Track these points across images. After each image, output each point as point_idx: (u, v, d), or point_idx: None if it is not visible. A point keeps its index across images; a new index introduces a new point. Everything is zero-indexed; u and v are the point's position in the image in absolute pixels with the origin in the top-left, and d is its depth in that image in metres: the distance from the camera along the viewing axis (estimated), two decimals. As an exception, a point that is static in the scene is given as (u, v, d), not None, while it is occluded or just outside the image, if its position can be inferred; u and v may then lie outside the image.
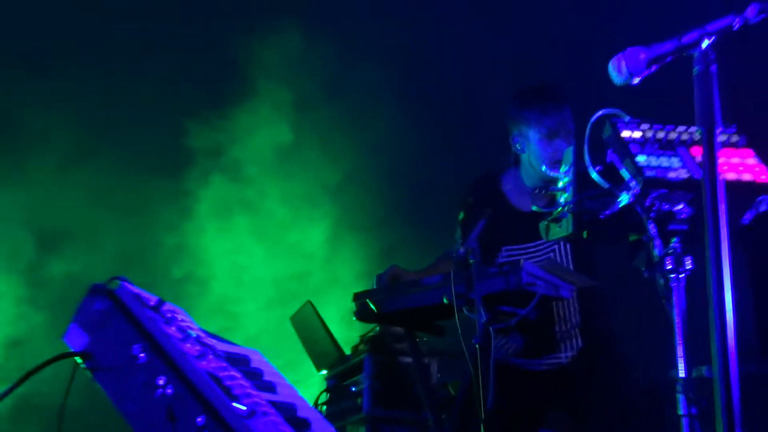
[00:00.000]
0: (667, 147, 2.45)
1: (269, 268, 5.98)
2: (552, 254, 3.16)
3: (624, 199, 2.36)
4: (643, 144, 2.44)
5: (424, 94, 6.32)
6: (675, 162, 2.39)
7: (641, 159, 2.45)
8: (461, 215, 3.27)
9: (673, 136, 2.47)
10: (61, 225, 5.64)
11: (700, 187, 2.28)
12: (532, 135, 3.14)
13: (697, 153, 2.40)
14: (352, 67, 6.22)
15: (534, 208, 2.89)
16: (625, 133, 2.52)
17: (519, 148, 3.20)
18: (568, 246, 3.14)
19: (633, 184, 2.33)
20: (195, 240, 5.87)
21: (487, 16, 6.63)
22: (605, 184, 2.35)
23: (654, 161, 2.38)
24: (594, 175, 2.38)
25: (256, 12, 6.17)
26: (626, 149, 2.37)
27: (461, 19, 6.73)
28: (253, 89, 6.07)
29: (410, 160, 6.13)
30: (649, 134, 2.48)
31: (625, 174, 2.42)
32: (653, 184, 2.32)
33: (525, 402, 3.18)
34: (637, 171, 2.21)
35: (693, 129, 2.55)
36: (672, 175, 2.38)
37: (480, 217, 3.21)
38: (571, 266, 3.15)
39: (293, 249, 6.11)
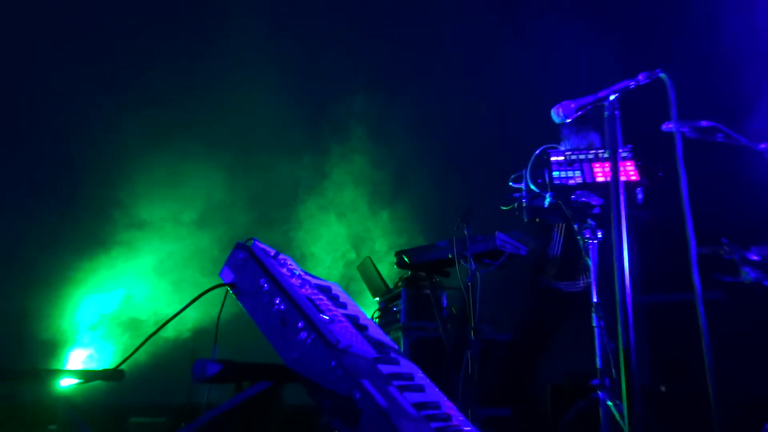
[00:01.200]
0: (572, 164, 3.02)
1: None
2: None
3: (547, 198, 3.18)
4: (560, 164, 3.18)
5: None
6: (576, 173, 3.14)
7: (555, 174, 3.20)
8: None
9: (580, 157, 3.23)
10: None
11: (590, 186, 3.05)
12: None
13: (596, 166, 3.19)
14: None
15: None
16: (554, 158, 3.28)
17: None
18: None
19: (549, 189, 3.15)
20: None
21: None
22: (537, 190, 3.14)
23: (563, 174, 2.97)
24: (532, 186, 3.19)
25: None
26: (549, 168, 3.02)
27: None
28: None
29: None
30: (566, 158, 3.24)
31: (541, 187, 3.20)
32: (558, 188, 2.93)
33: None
34: (551, 180, 2.99)
35: (599, 150, 3.28)
36: (571, 181, 3.12)
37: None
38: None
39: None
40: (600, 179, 2.89)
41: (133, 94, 6.08)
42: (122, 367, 4.86)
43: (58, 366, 5.63)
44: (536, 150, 2.97)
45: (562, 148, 2.99)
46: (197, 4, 6.41)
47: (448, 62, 6.93)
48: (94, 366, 5.68)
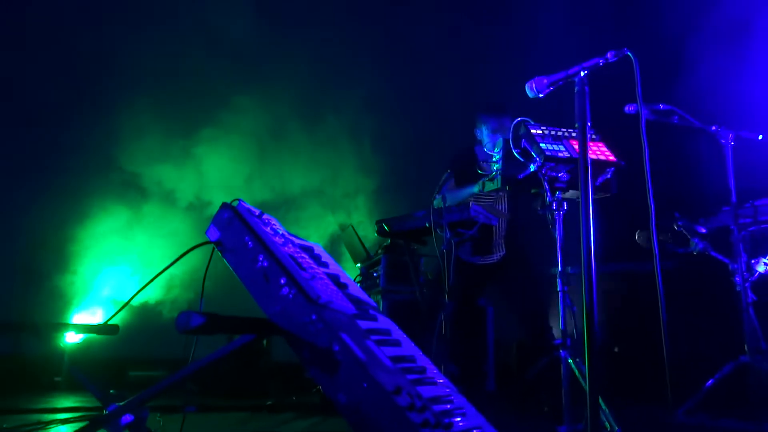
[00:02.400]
0: (556, 139, 2.82)
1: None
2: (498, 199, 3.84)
3: (531, 167, 2.96)
4: (543, 137, 2.78)
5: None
6: (561, 148, 2.86)
7: (543, 146, 2.93)
8: (447, 172, 3.77)
9: (559, 133, 3.05)
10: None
11: (576, 161, 2.86)
12: (485, 130, 3.87)
13: (575, 144, 2.99)
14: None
15: (480, 171, 3.68)
16: (533, 131, 3.10)
17: (479, 135, 3.92)
18: (506, 194, 3.81)
19: (537, 159, 2.85)
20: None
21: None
22: (521, 159, 2.80)
23: (550, 147, 2.76)
24: (515, 154, 3.01)
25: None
26: (534, 140, 2.78)
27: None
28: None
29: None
30: (546, 132, 3.07)
31: (532, 154, 3.02)
32: (549, 159, 2.71)
33: (471, 283, 3.83)
34: (541, 152, 2.75)
35: (570, 130, 3.14)
36: (560, 154, 2.93)
37: (450, 175, 4.00)
38: (506, 207, 3.83)
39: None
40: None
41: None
42: (115, 321, 4.70)
43: (63, 320, 5.47)
44: (514, 120, 2.81)
45: (532, 122, 2.84)
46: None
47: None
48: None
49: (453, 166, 3.77)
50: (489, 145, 3.73)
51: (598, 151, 2.87)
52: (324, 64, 6.47)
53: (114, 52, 5.65)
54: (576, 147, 2.75)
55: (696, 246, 3.63)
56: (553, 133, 2.83)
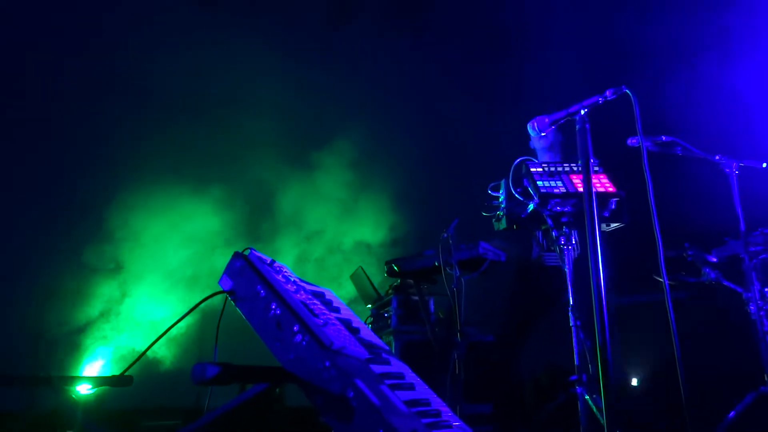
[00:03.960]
0: (553, 176, 2.89)
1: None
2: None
3: (531, 206, 3.05)
4: (541, 175, 2.88)
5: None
6: (559, 183, 2.99)
7: (540, 183, 2.99)
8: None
9: (558, 169, 3.13)
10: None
11: (575, 195, 2.94)
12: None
13: (574, 178, 3.09)
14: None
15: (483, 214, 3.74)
16: (533, 169, 3.19)
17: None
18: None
19: (535, 197, 2.97)
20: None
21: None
22: (521, 198, 2.91)
23: (546, 183, 2.83)
24: (515, 194, 3.08)
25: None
26: (532, 178, 2.88)
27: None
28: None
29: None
30: (545, 170, 3.15)
31: (531, 192, 3.09)
32: (545, 195, 2.80)
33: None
34: (537, 189, 2.84)
35: (572, 164, 3.20)
36: (556, 190, 3.00)
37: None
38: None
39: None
40: (581, 189, 2.80)
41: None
42: (129, 372, 4.70)
43: (74, 373, 5.47)
44: (515, 161, 2.88)
45: (535, 161, 2.92)
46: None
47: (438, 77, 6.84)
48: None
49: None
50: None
51: (599, 183, 2.92)
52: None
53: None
54: (575, 181, 2.80)
55: (708, 275, 3.63)
56: (552, 169, 2.90)
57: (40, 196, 5.63)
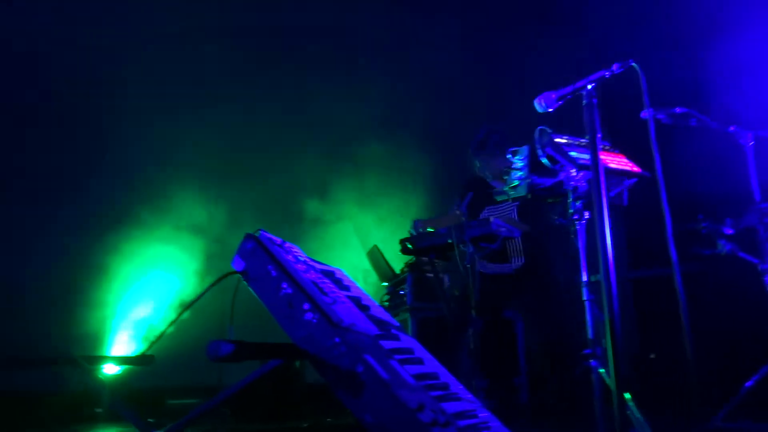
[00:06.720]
0: (583, 148, 2.79)
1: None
2: (510, 210, 3.91)
3: (557, 176, 2.98)
4: (570, 145, 2.79)
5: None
6: (587, 157, 2.91)
7: (573, 154, 2.75)
8: (462, 192, 3.90)
9: (582, 142, 2.80)
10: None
11: (607, 171, 2.85)
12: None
13: (600, 154, 2.96)
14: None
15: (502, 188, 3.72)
16: (558, 140, 3.10)
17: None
18: (515, 207, 3.89)
19: (568, 167, 2.72)
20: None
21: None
22: (551, 166, 2.73)
23: (581, 156, 2.74)
24: (545, 161, 2.95)
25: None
26: (562, 149, 2.73)
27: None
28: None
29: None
30: (572, 141, 3.07)
31: (559, 162, 3.01)
32: (581, 167, 2.71)
33: (494, 296, 3.90)
34: (573, 160, 2.73)
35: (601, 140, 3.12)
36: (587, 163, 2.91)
37: (467, 193, 4.07)
38: (516, 219, 3.87)
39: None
40: (612, 166, 2.77)
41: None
42: (150, 352, 4.83)
43: (100, 353, 5.64)
44: (537, 128, 2.78)
45: (550, 131, 2.82)
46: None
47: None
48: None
49: (470, 187, 3.88)
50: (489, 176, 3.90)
51: (622, 162, 2.88)
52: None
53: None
54: (602, 157, 2.73)
55: (723, 248, 3.62)
56: (578, 142, 2.84)
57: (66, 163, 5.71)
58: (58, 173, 5.62)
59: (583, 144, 2.83)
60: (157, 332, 5.60)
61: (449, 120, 6.45)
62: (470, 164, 4.10)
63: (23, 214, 5.48)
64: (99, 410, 5.22)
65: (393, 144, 6.59)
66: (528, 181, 2.84)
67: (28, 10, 5.69)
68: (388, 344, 1.99)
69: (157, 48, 5.99)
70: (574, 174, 2.79)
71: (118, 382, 5.39)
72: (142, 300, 5.90)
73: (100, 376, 5.29)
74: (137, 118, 5.86)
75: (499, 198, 3.09)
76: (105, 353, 5.67)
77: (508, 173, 3.41)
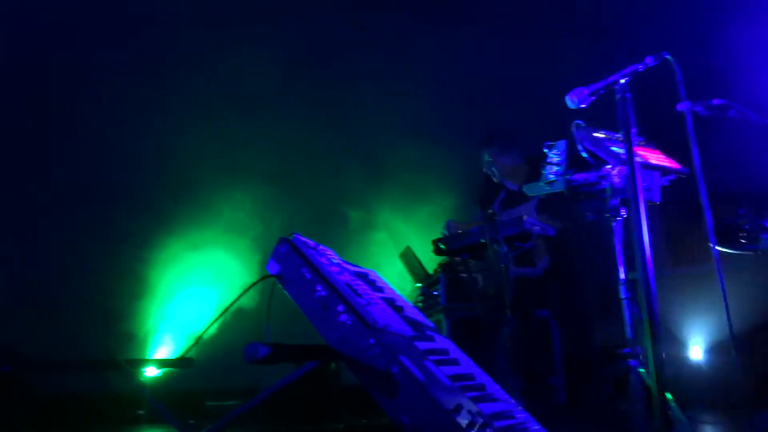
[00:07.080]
0: (619, 143, 2.69)
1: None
2: (528, 210, 3.86)
3: (595, 172, 2.70)
4: (611, 142, 2.72)
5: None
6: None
7: (614, 149, 2.70)
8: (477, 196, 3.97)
9: (618, 137, 2.71)
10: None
11: (647, 167, 2.76)
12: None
13: (638, 150, 2.79)
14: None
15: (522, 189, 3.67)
16: (596, 135, 3.02)
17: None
18: (533, 206, 3.87)
19: (611, 163, 2.67)
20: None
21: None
22: (591, 161, 2.71)
23: (618, 150, 2.68)
24: (585, 155, 2.71)
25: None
26: (603, 144, 2.68)
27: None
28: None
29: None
30: (610, 136, 3.01)
31: (592, 157, 2.92)
32: (623, 163, 2.56)
33: (528, 294, 3.92)
34: (614, 155, 2.67)
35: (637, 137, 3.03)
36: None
37: (496, 193, 4.03)
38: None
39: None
40: (653, 162, 2.71)
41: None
42: (190, 355, 4.90)
43: (142, 356, 5.76)
44: (573, 122, 2.72)
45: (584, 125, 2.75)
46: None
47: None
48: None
49: (488, 187, 3.89)
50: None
51: (662, 159, 2.81)
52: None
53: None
54: (642, 154, 2.68)
55: (765, 242, 3.52)
56: (617, 137, 2.78)
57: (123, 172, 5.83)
58: (107, 179, 5.75)
59: (620, 139, 2.75)
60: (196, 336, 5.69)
61: (482, 126, 6.43)
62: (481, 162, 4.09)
63: (73, 220, 5.62)
64: (141, 412, 5.33)
65: (428, 149, 6.58)
66: (567, 177, 2.77)
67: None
68: (422, 345, 1.99)
69: (205, 58, 6.10)
70: (611, 169, 2.72)
71: (159, 384, 5.49)
72: (183, 305, 6.00)
73: (141, 379, 5.41)
74: (183, 127, 5.96)
75: (530, 193, 3.02)
76: (147, 356, 5.79)
77: (521, 170, 3.39)
